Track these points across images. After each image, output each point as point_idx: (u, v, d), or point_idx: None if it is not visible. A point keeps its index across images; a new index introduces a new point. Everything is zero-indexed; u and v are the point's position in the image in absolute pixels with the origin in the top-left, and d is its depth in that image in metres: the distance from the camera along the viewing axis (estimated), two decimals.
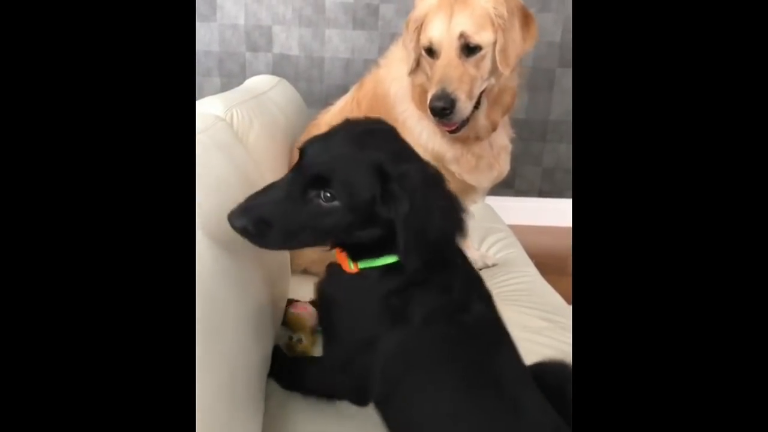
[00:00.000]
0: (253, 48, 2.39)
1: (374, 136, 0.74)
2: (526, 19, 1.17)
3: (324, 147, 0.71)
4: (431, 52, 1.15)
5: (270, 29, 2.37)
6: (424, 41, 1.15)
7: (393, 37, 2.04)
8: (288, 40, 2.38)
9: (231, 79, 2.41)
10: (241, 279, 0.76)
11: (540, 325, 1.13)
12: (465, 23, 1.10)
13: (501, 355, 0.76)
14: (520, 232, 1.78)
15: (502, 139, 1.33)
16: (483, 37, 1.11)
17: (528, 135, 2.53)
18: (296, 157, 0.74)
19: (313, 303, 1.07)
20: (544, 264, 1.58)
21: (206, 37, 2.37)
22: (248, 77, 2.20)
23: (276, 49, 2.40)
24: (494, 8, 1.12)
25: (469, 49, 1.12)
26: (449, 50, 1.11)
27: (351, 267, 0.78)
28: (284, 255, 1.14)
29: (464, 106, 1.12)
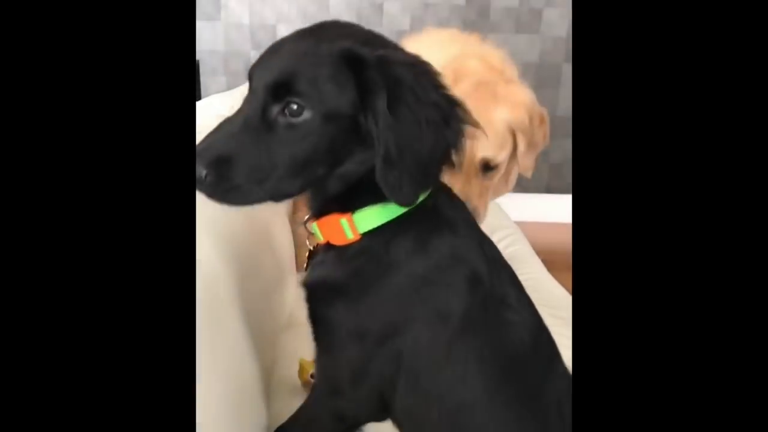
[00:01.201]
0: (258, 47, 2.39)
1: (332, 27, 0.59)
2: (541, 118, 1.15)
3: (274, 55, 0.57)
4: None
5: (275, 28, 2.37)
6: None
7: (399, 35, 2.04)
8: None
9: (236, 78, 2.41)
10: (243, 280, 0.75)
11: (547, 321, 1.12)
12: (486, 148, 1.06)
13: (555, 375, 0.64)
14: (528, 228, 1.77)
15: None
16: (502, 155, 1.09)
17: None
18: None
19: None
20: (552, 260, 1.57)
21: (211, 36, 2.37)
22: None
23: None
24: (515, 118, 1.08)
25: (488, 167, 1.10)
26: (469, 169, 1.08)
27: (349, 234, 0.59)
28: (287, 250, 1.14)
29: (483, 215, 1.12)
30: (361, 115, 0.54)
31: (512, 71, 1.18)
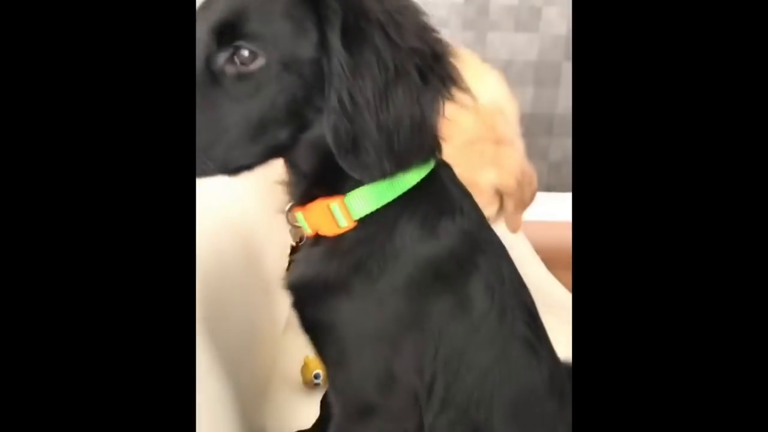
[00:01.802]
0: None
1: None
2: (530, 179, 1.16)
3: None
4: None
5: None
6: None
7: None
8: None
9: None
10: (241, 285, 0.75)
11: (547, 319, 1.12)
12: None
13: (565, 423, 0.55)
14: (527, 227, 1.77)
15: None
16: (487, 213, 1.11)
17: (534, 129, 2.51)
18: None
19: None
20: (552, 259, 1.57)
21: None
22: None
23: None
24: (503, 183, 1.10)
25: None
26: None
27: (341, 221, 0.49)
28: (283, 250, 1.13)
29: None
30: (324, 58, 0.44)
31: (504, 121, 1.18)
